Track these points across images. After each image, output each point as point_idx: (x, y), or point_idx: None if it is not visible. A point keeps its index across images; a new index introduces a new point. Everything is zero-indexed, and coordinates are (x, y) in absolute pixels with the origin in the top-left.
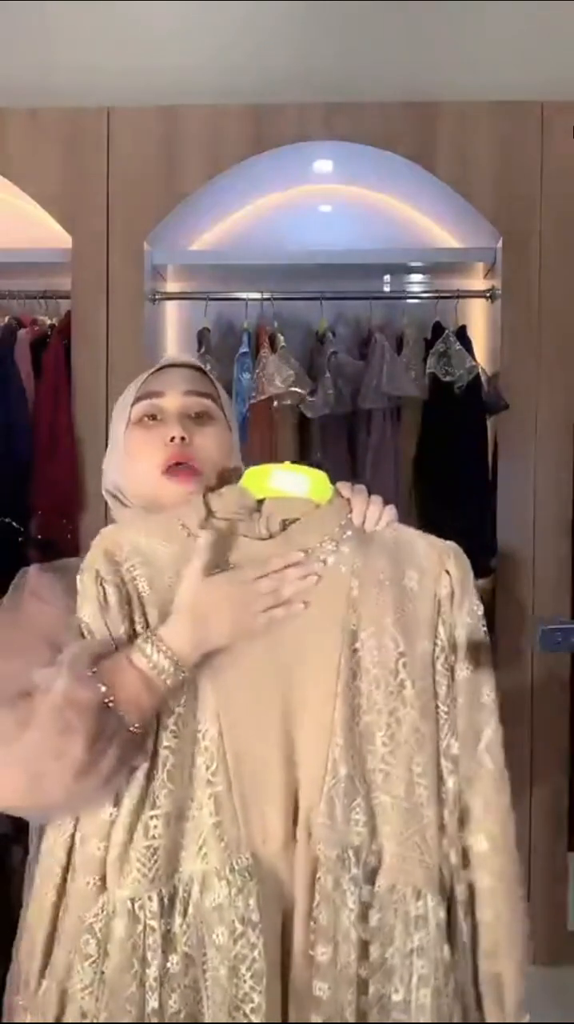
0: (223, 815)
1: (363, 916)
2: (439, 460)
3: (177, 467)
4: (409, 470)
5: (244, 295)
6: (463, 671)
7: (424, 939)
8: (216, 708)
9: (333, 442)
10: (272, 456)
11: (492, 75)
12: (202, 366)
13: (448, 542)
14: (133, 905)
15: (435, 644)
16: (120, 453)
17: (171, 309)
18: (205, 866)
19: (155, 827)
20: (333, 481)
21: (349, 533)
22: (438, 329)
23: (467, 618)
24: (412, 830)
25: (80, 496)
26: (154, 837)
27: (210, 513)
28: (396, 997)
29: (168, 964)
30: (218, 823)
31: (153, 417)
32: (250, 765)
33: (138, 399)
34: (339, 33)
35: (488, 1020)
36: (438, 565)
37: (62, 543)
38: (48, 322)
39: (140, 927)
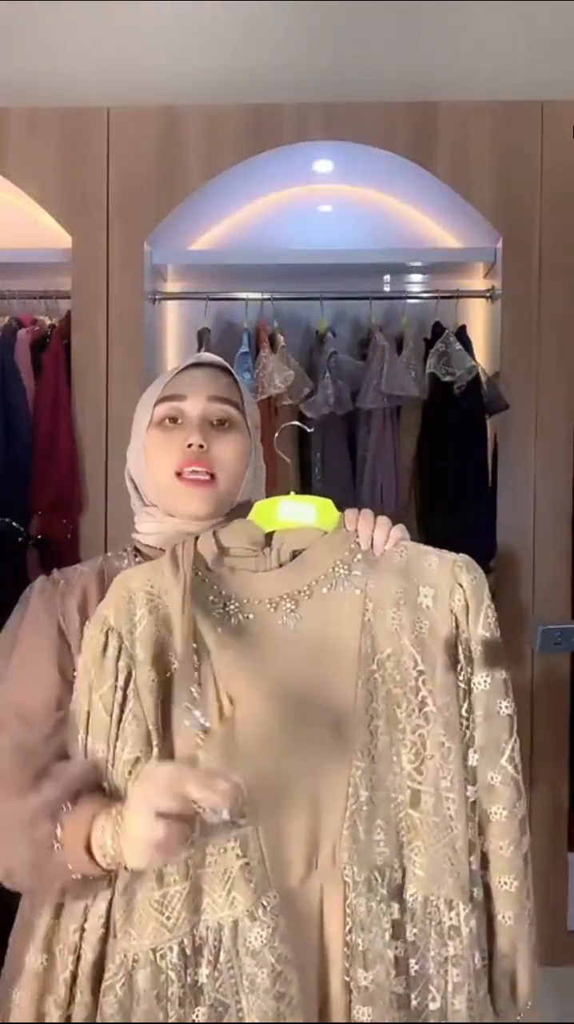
0: (250, 855)
1: (394, 934)
2: (439, 460)
3: (192, 473)
4: (409, 470)
5: (244, 295)
6: (481, 684)
7: (458, 947)
8: (238, 745)
9: (333, 442)
10: (270, 457)
11: (492, 75)
12: (227, 366)
13: (459, 555)
14: (155, 955)
15: (453, 658)
16: (139, 450)
17: (171, 309)
18: (235, 910)
19: (171, 874)
20: (337, 497)
21: (359, 557)
22: (438, 329)
23: (483, 631)
24: (443, 843)
25: (80, 496)
26: (171, 884)
27: (222, 550)
28: (433, 1006)
29: (195, 1016)
30: (245, 864)
31: (174, 420)
32: (270, 800)
33: (161, 400)
34: (339, 33)
35: (500, 1014)
36: (451, 579)
37: (62, 543)
38: (48, 322)
39: (163, 977)
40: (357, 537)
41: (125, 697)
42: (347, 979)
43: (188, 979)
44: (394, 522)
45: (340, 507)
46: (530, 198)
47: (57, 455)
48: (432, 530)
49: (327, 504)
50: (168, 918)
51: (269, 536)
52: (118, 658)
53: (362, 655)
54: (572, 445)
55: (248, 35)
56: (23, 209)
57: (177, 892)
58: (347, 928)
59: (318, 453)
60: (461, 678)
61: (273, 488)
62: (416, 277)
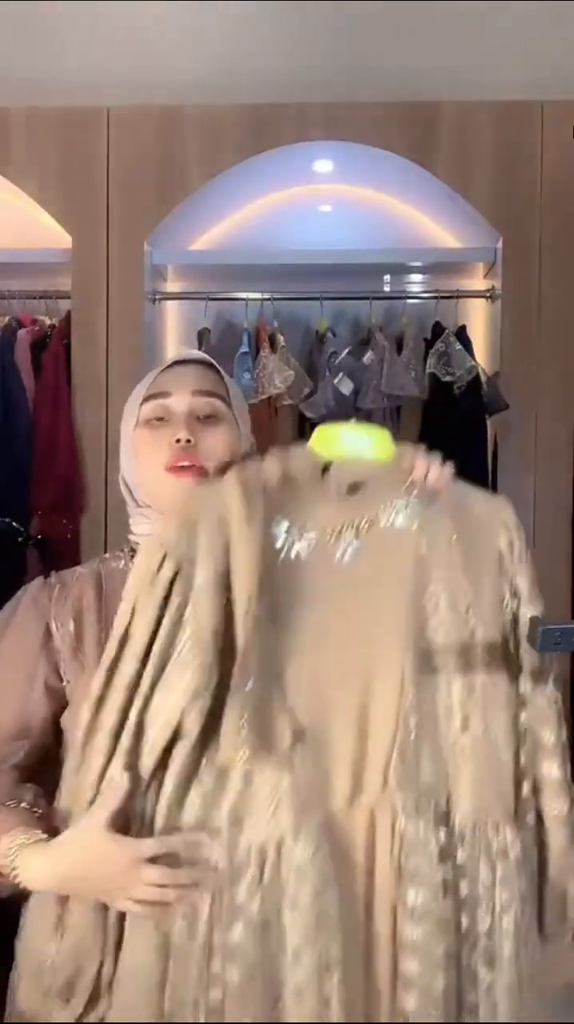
0: (297, 776)
1: (442, 858)
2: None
3: (182, 467)
4: None
5: (244, 295)
6: (526, 615)
7: (505, 869)
8: (286, 669)
9: None
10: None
11: (492, 75)
12: (211, 361)
13: (499, 497)
14: None
15: (499, 593)
16: (129, 451)
17: (171, 309)
18: (279, 830)
19: (222, 795)
20: None
21: (414, 493)
22: (438, 329)
23: (525, 566)
24: (490, 769)
25: (80, 496)
26: (222, 806)
27: (285, 475)
28: (481, 928)
29: (233, 933)
30: (292, 784)
31: (161, 418)
32: (321, 724)
33: (147, 399)
34: (339, 33)
35: (549, 937)
36: (496, 518)
37: (62, 543)
38: (48, 322)
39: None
40: (411, 472)
41: (175, 624)
42: (394, 903)
43: (229, 898)
44: None
45: None
46: (530, 198)
47: (57, 455)
48: None
49: (385, 436)
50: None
51: (327, 465)
52: (172, 581)
53: (416, 587)
54: (572, 445)
55: (248, 35)
56: (23, 209)
57: (229, 811)
58: (395, 851)
59: None
60: (509, 611)
61: None
62: (416, 277)
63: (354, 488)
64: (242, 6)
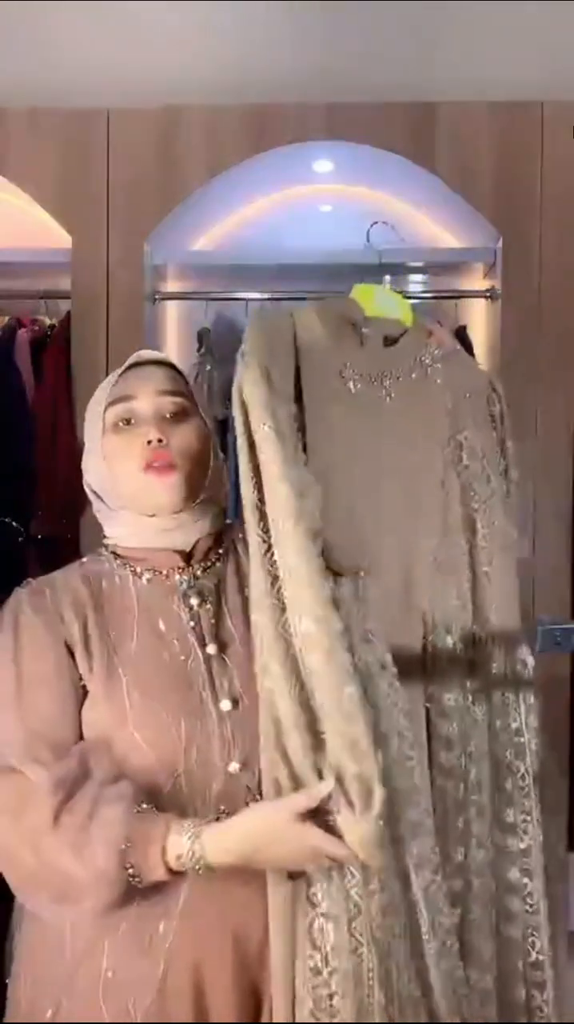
0: (359, 588)
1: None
2: None
3: (158, 466)
4: None
5: (244, 295)
6: (514, 474)
7: (528, 675)
8: (351, 499)
9: None
10: None
11: (492, 75)
12: (169, 360)
13: (485, 369)
14: None
15: (501, 446)
16: (98, 457)
17: (171, 309)
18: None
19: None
20: None
21: (437, 352)
22: None
23: (508, 431)
24: (506, 595)
25: (80, 496)
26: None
27: (345, 319)
28: (511, 727)
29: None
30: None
31: (128, 421)
32: (377, 544)
33: (111, 404)
34: (339, 33)
35: None
36: (488, 385)
37: (62, 543)
38: (48, 322)
39: None
40: (430, 335)
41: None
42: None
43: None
44: None
45: None
46: (530, 198)
47: (57, 455)
48: None
49: (408, 305)
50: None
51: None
52: (271, 392)
53: (446, 433)
54: (572, 445)
55: (248, 35)
56: (23, 209)
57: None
58: (429, 660)
59: None
60: (501, 462)
61: None
62: (416, 277)
63: (388, 341)
64: (242, 6)
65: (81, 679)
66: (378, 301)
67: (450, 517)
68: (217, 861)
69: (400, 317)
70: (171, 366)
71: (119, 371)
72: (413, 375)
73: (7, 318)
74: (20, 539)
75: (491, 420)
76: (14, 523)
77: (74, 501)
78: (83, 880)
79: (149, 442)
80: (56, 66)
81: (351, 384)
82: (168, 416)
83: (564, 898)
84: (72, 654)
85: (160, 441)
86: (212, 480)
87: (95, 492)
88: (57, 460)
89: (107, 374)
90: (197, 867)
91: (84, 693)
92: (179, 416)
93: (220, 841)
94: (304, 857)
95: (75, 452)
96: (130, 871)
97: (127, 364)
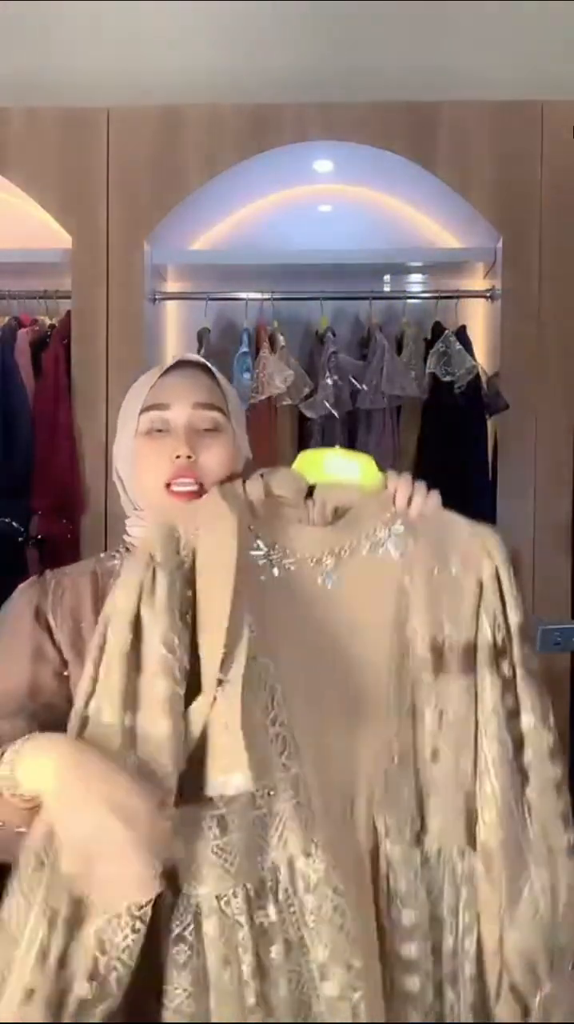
0: (300, 796)
1: (421, 879)
2: (439, 460)
3: (181, 484)
4: (409, 470)
5: (244, 295)
6: (518, 652)
7: (469, 893)
8: (282, 694)
9: (333, 442)
10: (270, 456)
11: (492, 75)
12: (209, 366)
13: (486, 527)
14: (219, 902)
15: (477, 627)
16: (128, 454)
17: (171, 309)
18: (290, 849)
19: (232, 821)
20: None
21: (399, 520)
22: (438, 329)
23: (513, 598)
24: (458, 797)
25: (80, 496)
26: (232, 831)
27: (269, 496)
28: (446, 947)
29: (272, 954)
30: (298, 804)
31: (160, 430)
32: (314, 746)
33: (146, 409)
34: (339, 33)
35: None
36: (481, 550)
37: (62, 543)
38: (48, 322)
39: (230, 923)
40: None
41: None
42: (385, 921)
43: (256, 921)
44: None
45: None
46: (530, 198)
47: (57, 455)
48: None
49: (370, 462)
50: (230, 864)
51: (310, 489)
52: (168, 595)
53: (397, 618)
54: (572, 445)
55: (248, 35)
56: (23, 209)
57: (239, 838)
58: (384, 872)
59: None
60: (486, 645)
61: None
62: (416, 277)
63: (338, 514)
64: (242, 6)
65: (64, 669)
66: (328, 467)
67: (403, 711)
68: (28, 784)
69: (357, 481)
70: (211, 373)
71: (159, 371)
72: (364, 550)
73: (7, 318)
74: (20, 539)
75: (481, 590)
76: (14, 523)
77: (74, 501)
78: None
79: (178, 456)
80: (56, 66)
81: (280, 568)
82: (200, 430)
83: None
84: (60, 651)
85: (189, 457)
86: None
87: (120, 480)
88: (57, 460)
89: (107, 374)
90: (8, 783)
91: (67, 686)
92: (211, 431)
93: (36, 756)
94: (99, 836)
95: (75, 452)
96: None
97: (167, 366)
